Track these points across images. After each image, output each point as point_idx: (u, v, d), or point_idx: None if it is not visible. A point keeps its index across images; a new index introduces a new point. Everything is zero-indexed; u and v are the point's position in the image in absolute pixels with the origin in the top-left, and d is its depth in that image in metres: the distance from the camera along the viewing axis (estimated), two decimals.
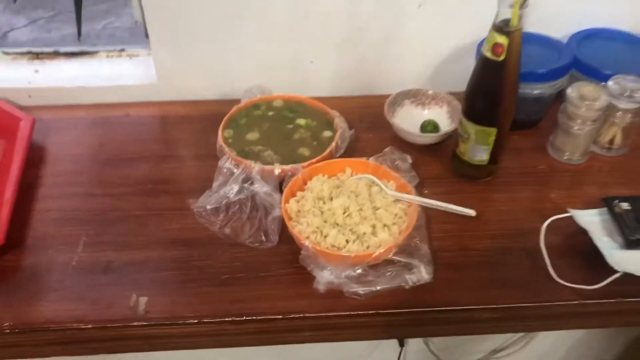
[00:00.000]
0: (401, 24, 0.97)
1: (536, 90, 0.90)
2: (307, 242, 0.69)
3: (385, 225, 0.73)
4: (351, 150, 0.89)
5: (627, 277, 0.71)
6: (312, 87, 1.00)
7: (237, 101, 0.93)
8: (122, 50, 1.05)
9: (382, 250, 0.69)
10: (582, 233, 0.76)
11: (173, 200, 0.83)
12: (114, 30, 3.12)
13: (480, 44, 0.92)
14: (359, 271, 0.70)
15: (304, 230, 0.72)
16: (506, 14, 0.72)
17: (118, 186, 0.86)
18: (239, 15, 0.93)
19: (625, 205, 0.77)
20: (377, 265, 0.71)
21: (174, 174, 0.88)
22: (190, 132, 0.96)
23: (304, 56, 0.99)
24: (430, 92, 0.96)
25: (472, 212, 0.72)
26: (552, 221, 0.77)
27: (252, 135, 0.86)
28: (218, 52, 0.98)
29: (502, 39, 0.72)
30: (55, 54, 1.04)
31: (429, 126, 0.92)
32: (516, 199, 0.84)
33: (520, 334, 1.32)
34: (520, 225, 0.80)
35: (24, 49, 1.03)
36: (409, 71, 1.02)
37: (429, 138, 0.90)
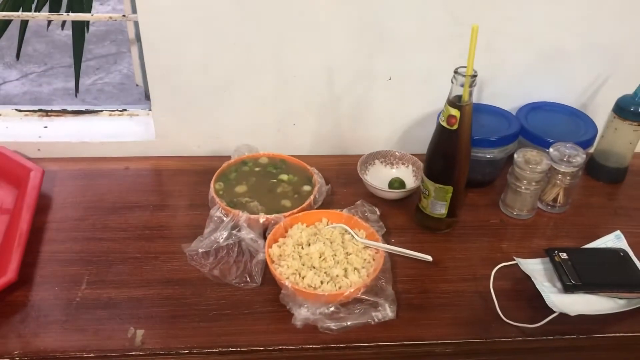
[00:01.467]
0: (373, 94, 1.10)
1: (489, 154, 1.03)
2: (287, 282, 0.80)
3: (355, 269, 0.84)
4: (327, 203, 1.00)
5: (563, 317, 0.81)
6: (294, 147, 1.11)
7: (228, 158, 1.05)
8: (124, 110, 1.17)
9: (352, 290, 0.79)
10: (527, 279, 0.88)
11: (168, 244, 0.93)
12: (103, 86, 3.25)
13: (439, 115, 1.06)
14: (332, 309, 0.80)
15: (284, 272, 0.83)
16: (458, 91, 0.85)
17: (118, 231, 0.95)
18: (230, 83, 1.06)
19: (563, 255, 0.89)
20: (348, 303, 0.81)
21: (169, 222, 0.98)
22: (184, 185, 1.06)
23: (287, 119, 1.12)
24: (397, 153, 1.09)
25: (429, 258, 0.84)
26: (501, 268, 0.89)
27: (241, 188, 0.98)
28: (211, 115, 1.10)
29: (455, 112, 0.86)
30: (63, 112, 1.15)
31: (396, 183, 1.04)
32: (471, 248, 0.95)
33: None
34: (474, 271, 0.91)
35: (36, 107, 1.15)
36: (380, 134, 1.14)
37: (396, 194, 1.02)
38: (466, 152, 0.90)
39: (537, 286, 0.86)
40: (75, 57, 1.68)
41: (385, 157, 1.09)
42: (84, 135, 1.12)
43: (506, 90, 1.12)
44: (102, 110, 1.16)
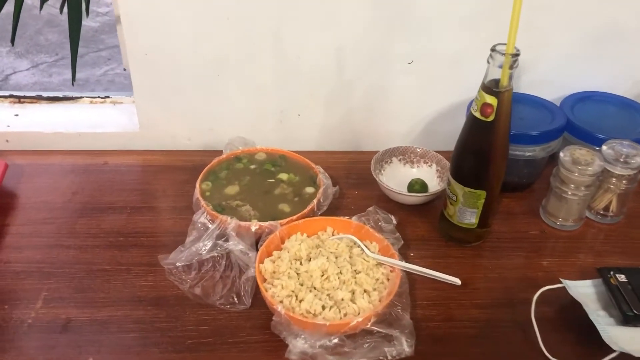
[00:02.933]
0: (391, 80, 0.95)
1: (528, 152, 0.87)
2: (280, 308, 0.64)
3: (365, 291, 0.69)
4: (334, 208, 0.85)
5: (626, 357, 0.65)
6: (297, 141, 0.98)
7: (220, 152, 0.90)
8: (107, 97, 1.03)
9: (360, 320, 0.64)
10: (576, 305, 0.71)
11: (143, 254, 0.79)
12: (114, 77, 3.15)
13: (471, 104, 0.90)
14: (335, 341, 0.65)
15: (277, 293, 0.68)
16: (495, 73, 0.69)
17: (87, 237, 0.81)
18: (223, 66, 0.92)
19: (621, 277, 0.73)
20: (355, 335, 0.66)
21: (147, 227, 0.83)
22: (169, 183, 0.92)
23: (289, 109, 0.97)
24: (419, 150, 0.93)
25: (457, 281, 0.68)
26: (544, 291, 0.73)
27: (232, 189, 0.83)
28: (203, 103, 0.96)
29: (491, 99, 0.70)
30: (37, 99, 1.02)
31: (417, 185, 0.88)
32: (506, 265, 0.80)
33: None
34: (510, 294, 0.75)
35: (7, 93, 1.01)
36: (398, 128, 1.00)
37: (417, 198, 0.86)
38: (503, 149, 0.74)
39: (590, 316, 0.70)
40: (72, 41, 1.55)
41: (404, 154, 0.93)
42: (59, 125, 0.98)
43: (549, 77, 0.96)
44: (82, 97, 1.02)
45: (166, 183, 0.92)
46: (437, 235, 0.84)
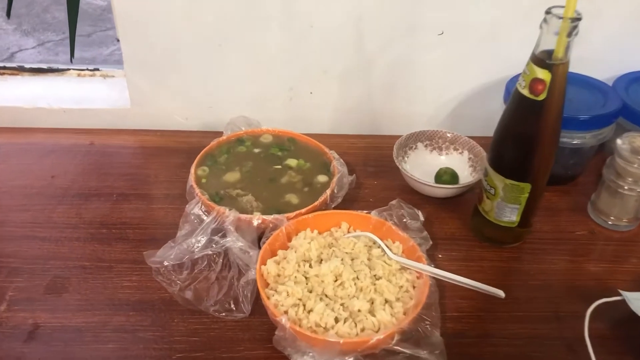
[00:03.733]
0: (417, 54, 0.84)
1: (576, 139, 0.75)
2: (283, 320, 0.53)
3: (386, 301, 0.58)
4: (350, 200, 0.74)
5: None
6: (308, 122, 0.87)
7: (220, 134, 0.79)
8: (96, 69, 0.92)
9: (381, 337, 0.53)
10: (637, 321, 0.60)
11: (129, 250, 0.68)
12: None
13: (511, 82, 0.79)
14: None
15: (282, 301, 0.56)
16: (549, 42, 0.57)
17: (66, 228, 0.71)
18: (225, 36, 0.81)
19: None
20: (375, 356, 0.55)
21: (135, 217, 0.73)
22: (162, 167, 0.81)
23: (301, 86, 0.86)
24: (448, 135, 0.81)
25: (500, 294, 0.56)
26: (600, 304, 0.61)
27: (232, 176, 0.72)
28: (201, 77, 0.85)
29: (543, 74, 0.58)
30: (19, 70, 0.91)
31: (446, 175, 0.77)
32: (550, 271, 0.68)
33: None
34: (556, 306, 0.64)
35: None
36: (424, 109, 0.89)
37: (446, 190, 0.74)
38: (554, 134, 0.63)
39: None
40: (70, 12, 1.44)
41: (431, 139, 0.81)
42: (41, 100, 0.88)
43: (600, 54, 0.84)
44: (69, 69, 0.91)
45: (159, 167, 0.82)
46: (469, 234, 0.72)
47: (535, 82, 0.59)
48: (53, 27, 3.25)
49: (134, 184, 0.78)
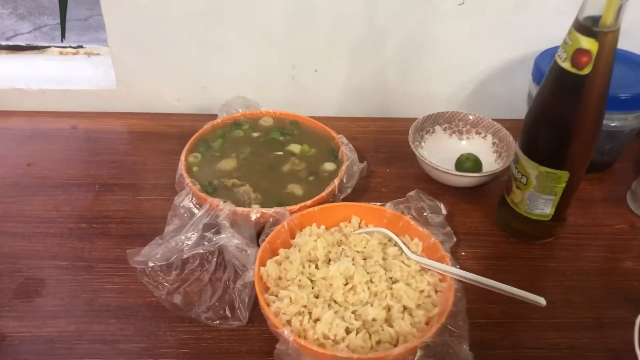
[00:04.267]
0: (435, 27, 0.75)
1: (615, 121, 0.67)
2: (286, 333, 0.45)
3: (405, 309, 0.50)
4: (361, 191, 0.67)
5: None
6: (313, 104, 0.80)
7: (215, 117, 0.71)
8: (79, 46, 0.83)
9: (400, 351, 0.45)
10: None
11: (112, 247, 0.61)
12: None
13: (541, 58, 0.71)
14: None
15: (284, 309, 0.49)
16: (596, 7, 0.49)
17: (41, 223, 0.63)
18: (222, 6, 0.72)
19: None
20: None
21: (120, 210, 0.65)
22: (151, 154, 0.74)
23: (305, 64, 0.79)
24: (470, 117, 0.73)
25: (541, 302, 0.48)
26: None
27: (227, 164, 0.64)
28: (194, 54, 0.77)
29: (589, 44, 0.50)
30: None
31: (468, 162, 0.68)
32: (588, 271, 0.60)
33: None
34: (598, 312, 0.56)
35: None
36: (443, 89, 0.82)
37: (468, 179, 0.66)
38: (599, 113, 0.55)
39: None
40: None
41: (450, 122, 0.73)
42: (19, 80, 0.80)
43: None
44: (50, 47, 0.83)
45: (147, 154, 0.74)
46: (495, 229, 0.64)
47: (578, 53, 0.50)
48: (49, 11, 3.16)
49: (119, 172, 0.70)
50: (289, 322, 0.48)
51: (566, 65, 0.51)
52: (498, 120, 0.72)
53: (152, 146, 0.75)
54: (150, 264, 0.55)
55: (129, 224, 0.63)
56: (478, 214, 0.66)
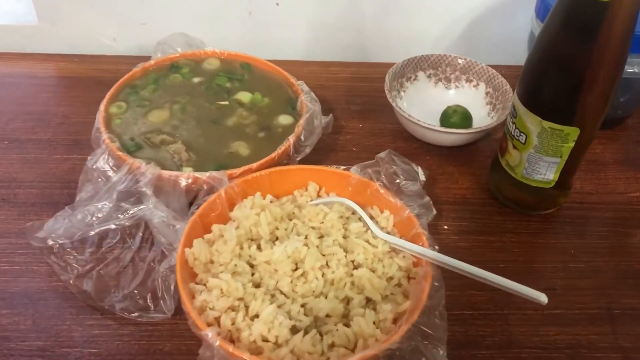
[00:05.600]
0: None
1: (635, 66, 0.55)
2: (210, 335, 0.35)
3: (369, 302, 0.39)
4: (326, 151, 0.56)
5: None
6: (274, 45, 0.69)
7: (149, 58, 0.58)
8: None
9: (358, 358, 0.34)
10: None
11: (15, 218, 0.50)
12: None
13: None
14: None
15: (212, 303, 0.38)
16: None
17: None
18: None
19: None
20: None
21: (30, 172, 0.54)
22: (76, 104, 0.62)
23: None
24: (460, 61, 0.61)
25: (542, 299, 0.37)
26: None
27: (158, 115, 0.52)
28: None
29: None
30: None
31: (456, 116, 0.57)
32: (597, 249, 0.50)
33: None
34: (609, 301, 0.46)
35: None
36: (428, 27, 0.70)
37: (455, 136, 0.55)
38: (621, 54, 0.43)
39: None
40: None
41: (436, 67, 0.61)
42: None
43: None
44: None
45: (73, 104, 0.62)
46: (487, 196, 0.54)
47: None
48: None
49: (35, 126, 0.59)
50: (217, 320, 0.37)
51: None
52: (493, 67, 0.61)
53: (80, 94, 0.63)
54: (50, 242, 0.44)
55: (40, 189, 0.52)
56: (466, 179, 0.55)
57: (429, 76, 0.62)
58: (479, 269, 0.38)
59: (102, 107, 0.51)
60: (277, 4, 0.65)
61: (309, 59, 0.69)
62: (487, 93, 0.60)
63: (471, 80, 0.61)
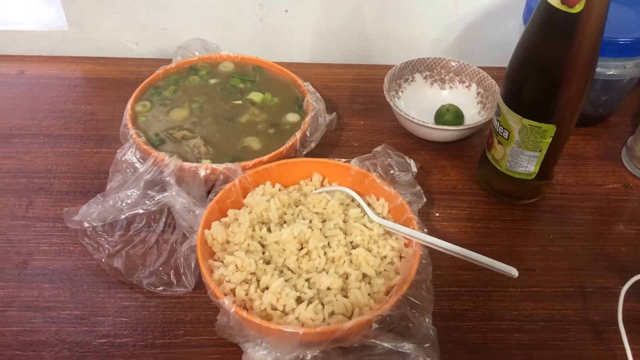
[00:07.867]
0: None
1: (613, 69, 0.60)
2: (227, 303, 0.41)
3: (364, 277, 0.45)
4: (330, 145, 0.61)
5: None
6: (282, 48, 0.74)
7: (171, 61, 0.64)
8: None
9: (352, 324, 0.40)
10: None
11: (52, 204, 0.56)
12: None
13: None
14: (317, 353, 0.41)
15: (228, 276, 0.44)
16: None
17: None
18: None
19: None
20: (345, 350, 0.42)
21: (64, 164, 0.60)
22: (104, 103, 0.67)
23: (274, 2, 0.70)
24: (453, 64, 0.66)
25: (512, 272, 0.42)
26: (638, 280, 0.48)
27: (179, 113, 0.57)
28: None
29: None
30: None
31: (448, 114, 0.62)
32: (574, 235, 0.55)
33: None
34: (582, 281, 0.51)
35: None
36: (425, 32, 0.74)
37: (448, 132, 0.60)
38: (591, 59, 0.48)
39: None
40: None
41: (431, 69, 0.66)
42: None
43: None
44: None
45: (100, 103, 0.67)
46: (476, 188, 0.59)
47: None
48: None
49: (67, 122, 0.64)
50: (233, 291, 0.43)
51: (554, 1, 0.44)
52: (485, 69, 0.65)
53: (106, 94, 0.68)
54: (86, 225, 0.50)
55: (73, 179, 0.58)
56: (457, 172, 0.60)
57: (425, 78, 0.67)
58: (459, 247, 0.43)
59: (128, 105, 0.57)
60: (286, 11, 0.70)
61: (315, 61, 0.74)
62: (478, 93, 0.65)
63: (464, 82, 0.66)
